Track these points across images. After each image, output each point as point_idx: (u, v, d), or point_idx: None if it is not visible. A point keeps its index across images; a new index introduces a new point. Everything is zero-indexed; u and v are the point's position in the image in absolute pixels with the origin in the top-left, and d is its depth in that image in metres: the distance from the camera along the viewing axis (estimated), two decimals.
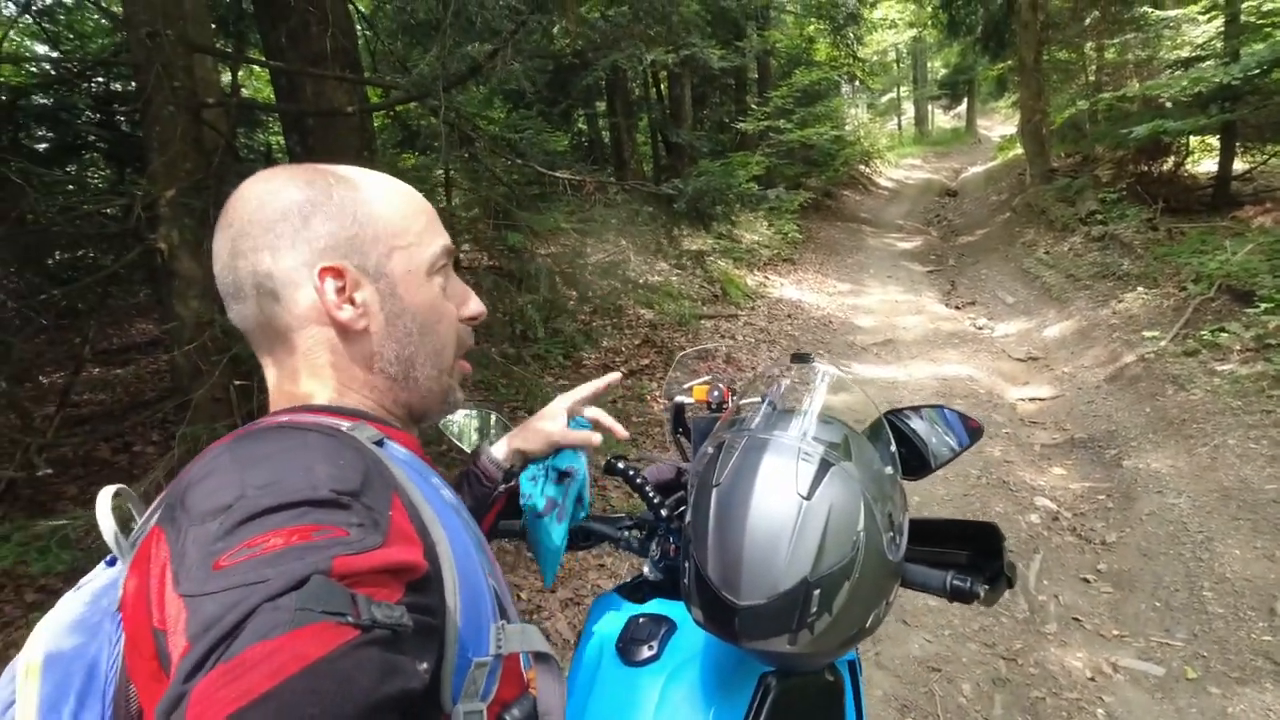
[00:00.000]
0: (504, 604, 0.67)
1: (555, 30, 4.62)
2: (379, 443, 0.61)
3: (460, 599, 0.55)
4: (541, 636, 0.66)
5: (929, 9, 17.17)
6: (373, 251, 0.67)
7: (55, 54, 5.80)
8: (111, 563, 0.64)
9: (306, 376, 0.67)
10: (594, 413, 0.98)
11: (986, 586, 0.83)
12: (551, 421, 0.94)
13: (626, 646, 0.91)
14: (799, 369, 0.93)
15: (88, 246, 4.02)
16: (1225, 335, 4.88)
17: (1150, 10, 8.58)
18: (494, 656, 0.58)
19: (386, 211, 0.68)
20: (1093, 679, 2.51)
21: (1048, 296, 7.62)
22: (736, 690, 0.85)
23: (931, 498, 3.79)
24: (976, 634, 2.74)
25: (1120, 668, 2.56)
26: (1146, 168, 9.11)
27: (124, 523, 0.64)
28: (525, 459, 0.95)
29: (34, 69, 4.93)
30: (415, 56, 4.48)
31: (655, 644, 0.90)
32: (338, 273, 0.65)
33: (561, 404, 0.96)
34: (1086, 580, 3.10)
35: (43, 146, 4.70)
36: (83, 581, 0.64)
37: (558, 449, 0.94)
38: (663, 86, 11.66)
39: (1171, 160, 9.12)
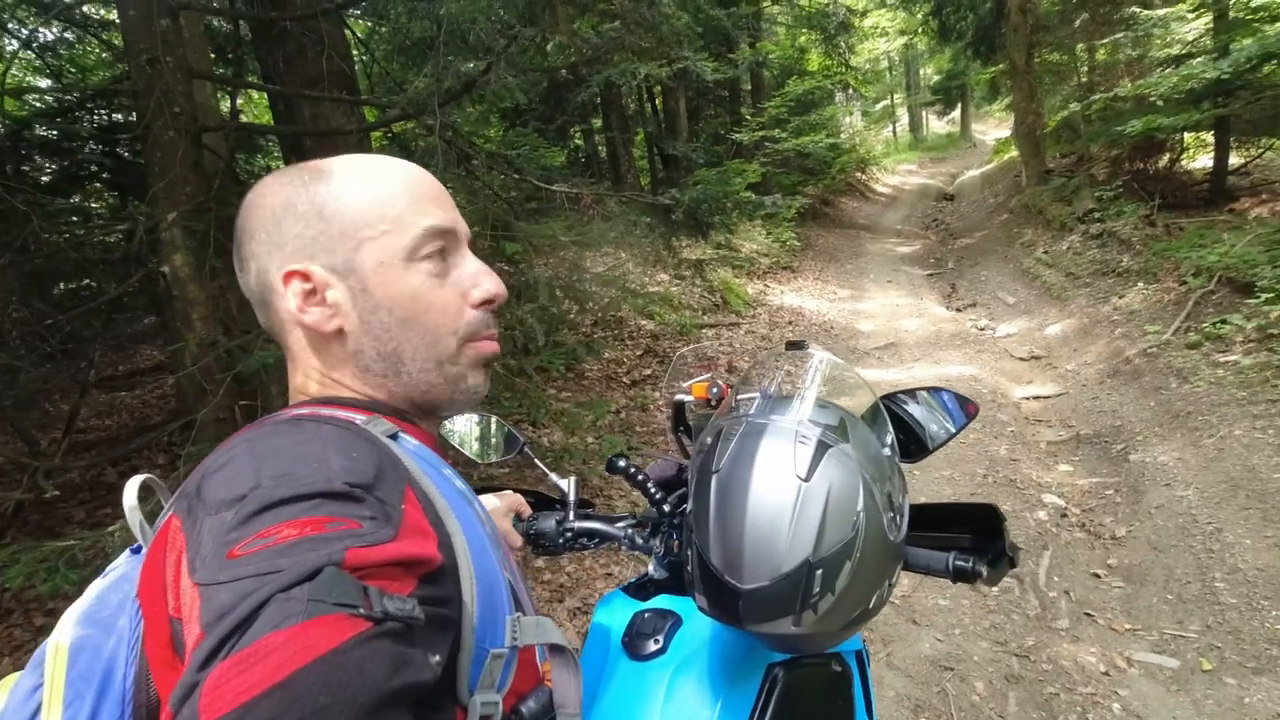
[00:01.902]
0: (519, 596, 0.67)
1: (550, 46, 4.68)
2: (393, 436, 0.62)
3: (476, 590, 0.56)
4: (557, 629, 0.66)
5: (919, 16, 17.27)
6: (340, 247, 0.65)
7: (57, 87, 5.88)
8: (136, 550, 0.65)
9: (303, 375, 0.69)
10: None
11: (989, 566, 0.84)
12: (504, 516, 1.06)
13: (632, 641, 0.91)
14: (795, 356, 0.93)
15: (91, 273, 4.06)
16: (1227, 327, 4.88)
17: (1139, 10, 8.63)
18: (510, 648, 0.58)
19: (356, 202, 0.66)
20: (1107, 674, 2.49)
21: (1048, 295, 7.62)
22: (744, 681, 0.85)
23: (938, 498, 3.78)
24: (987, 632, 2.72)
25: (1134, 661, 2.54)
26: (1142, 165, 9.14)
27: (153, 514, 0.65)
28: None
29: (38, 102, 5.00)
30: (411, 77, 4.54)
31: (661, 638, 0.90)
32: (304, 276, 0.65)
33: (510, 501, 1.08)
34: (1097, 575, 3.08)
35: (46, 178, 4.77)
36: (109, 569, 0.65)
37: None
38: (658, 101, 11.77)
39: (1167, 157, 9.15)
